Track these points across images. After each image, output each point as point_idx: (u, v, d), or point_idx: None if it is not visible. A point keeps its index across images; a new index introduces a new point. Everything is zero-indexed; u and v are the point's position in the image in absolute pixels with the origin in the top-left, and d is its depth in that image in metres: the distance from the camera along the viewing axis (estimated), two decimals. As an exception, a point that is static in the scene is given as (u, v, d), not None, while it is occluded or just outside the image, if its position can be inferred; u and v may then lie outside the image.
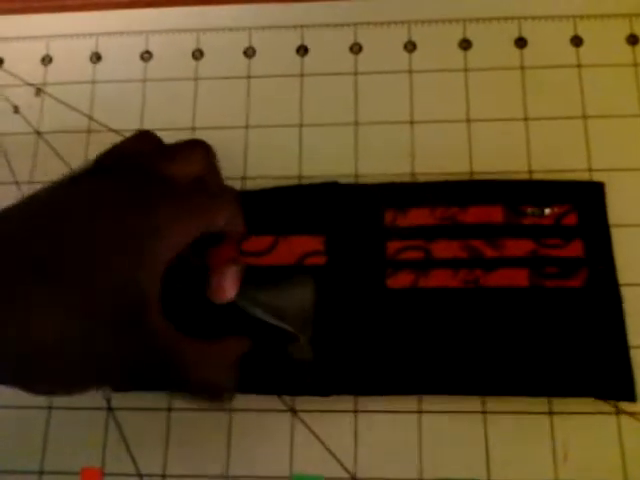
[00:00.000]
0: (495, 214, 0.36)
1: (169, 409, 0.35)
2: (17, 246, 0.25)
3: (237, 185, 0.38)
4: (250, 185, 0.38)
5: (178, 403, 0.35)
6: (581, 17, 0.39)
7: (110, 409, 0.35)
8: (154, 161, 0.29)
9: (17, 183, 0.39)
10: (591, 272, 0.34)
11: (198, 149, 0.31)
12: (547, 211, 0.35)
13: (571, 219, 0.35)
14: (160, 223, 0.27)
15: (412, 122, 0.38)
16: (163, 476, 0.34)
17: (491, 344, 0.34)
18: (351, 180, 0.38)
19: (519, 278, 0.35)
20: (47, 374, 0.26)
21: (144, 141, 0.31)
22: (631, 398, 0.33)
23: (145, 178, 0.28)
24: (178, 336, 0.28)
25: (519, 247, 0.35)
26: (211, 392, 0.30)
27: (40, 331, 0.24)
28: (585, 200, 0.36)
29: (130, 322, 0.26)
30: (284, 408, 0.34)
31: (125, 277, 0.26)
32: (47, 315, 0.24)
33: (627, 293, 0.34)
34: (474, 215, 0.36)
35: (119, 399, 0.36)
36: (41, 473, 0.35)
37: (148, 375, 0.28)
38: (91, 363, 0.26)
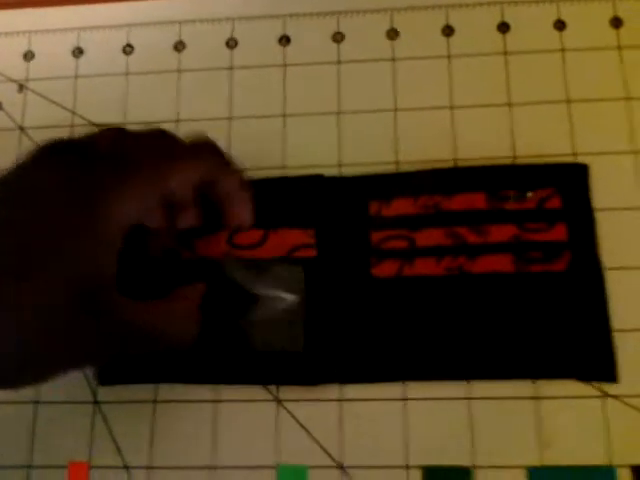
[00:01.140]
0: (478, 200, 0.35)
1: (154, 401, 0.35)
2: None
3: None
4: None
5: (164, 394, 0.35)
6: (564, 1, 0.39)
7: (96, 402, 0.35)
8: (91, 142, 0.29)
9: (1, 179, 0.39)
10: (574, 255, 0.34)
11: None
12: (529, 195, 0.35)
13: (555, 202, 0.35)
14: (103, 193, 0.27)
15: (396, 110, 0.38)
16: (149, 468, 0.34)
17: (476, 329, 0.34)
18: (335, 169, 0.37)
19: (503, 264, 0.35)
20: (25, 366, 0.26)
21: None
22: (612, 379, 0.33)
23: (81, 156, 0.28)
24: (138, 306, 0.28)
25: (502, 232, 0.35)
26: (180, 343, 0.30)
27: (10, 327, 0.24)
28: (568, 183, 0.35)
29: (92, 302, 0.26)
30: (269, 398, 0.34)
31: (79, 258, 0.26)
32: (15, 311, 0.24)
33: (611, 277, 0.34)
34: (457, 202, 0.36)
35: (105, 393, 0.36)
36: (29, 467, 0.35)
37: (120, 347, 0.28)
38: (63, 346, 0.26)
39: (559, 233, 0.35)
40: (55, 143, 0.29)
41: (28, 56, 0.42)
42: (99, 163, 0.28)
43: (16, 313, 0.25)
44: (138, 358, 0.35)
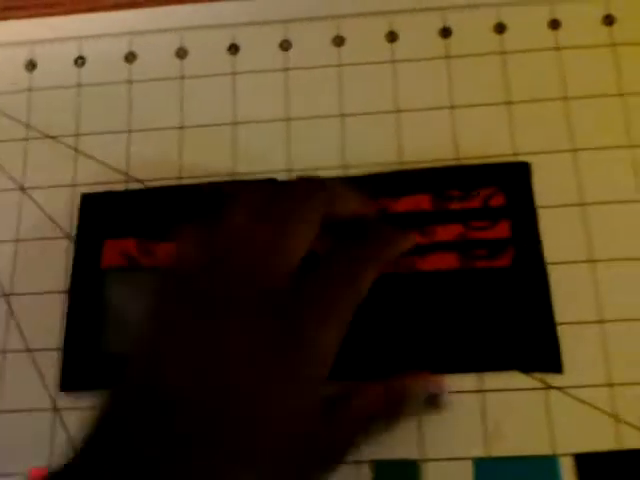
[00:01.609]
0: (424, 202, 0.36)
1: (111, 407, 0.36)
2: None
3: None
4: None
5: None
6: (503, 5, 0.40)
7: (56, 410, 0.36)
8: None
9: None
10: (517, 251, 0.35)
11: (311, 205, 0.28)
12: (473, 194, 0.36)
13: (498, 200, 0.36)
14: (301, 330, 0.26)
15: (342, 115, 0.39)
16: (108, 473, 0.35)
17: (425, 326, 0.35)
18: (285, 174, 0.38)
19: (449, 261, 0.35)
20: None
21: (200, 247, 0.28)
22: (557, 369, 0.34)
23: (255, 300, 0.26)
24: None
25: (448, 232, 0.36)
26: None
27: None
28: (511, 181, 0.37)
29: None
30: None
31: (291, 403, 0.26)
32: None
33: (553, 272, 0.35)
34: (403, 205, 0.36)
35: (64, 400, 0.36)
36: (-11, 476, 0.35)
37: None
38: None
39: (503, 230, 0.36)
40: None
41: (-19, 71, 0.43)
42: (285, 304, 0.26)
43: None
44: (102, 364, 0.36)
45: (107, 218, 0.38)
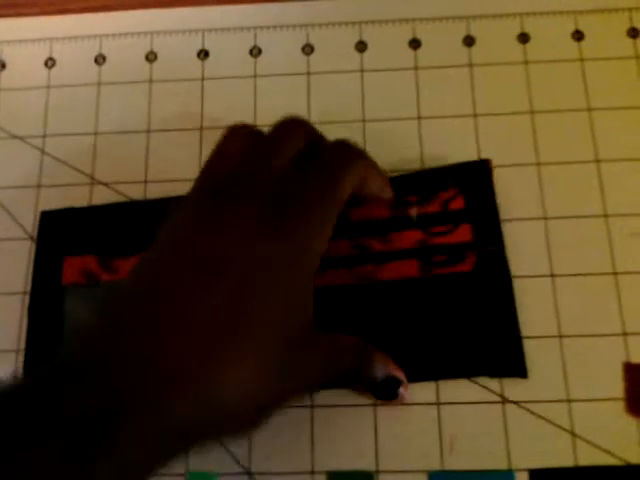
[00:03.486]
0: (382, 210, 0.36)
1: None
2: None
3: (139, 189, 0.39)
4: (152, 188, 0.39)
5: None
6: (473, 18, 0.40)
7: None
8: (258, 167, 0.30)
9: None
10: (480, 255, 0.35)
11: (294, 127, 0.33)
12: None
13: (458, 203, 0.36)
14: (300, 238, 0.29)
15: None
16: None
17: (385, 336, 0.34)
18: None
19: (409, 269, 0.35)
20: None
21: (238, 142, 0.32)
22: (522, 374, 0.33)
23: (259, 193, 0.29)
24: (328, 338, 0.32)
25: (408, 239, 0.36)
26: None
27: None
28: (471, 181, 0.36)
29: (297, 343, 0.29)
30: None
31: (288, 304, 0.28)
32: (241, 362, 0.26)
33: (517, 285, 0.35)
34: (362, 214, 0.36)
35: None
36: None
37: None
38: (282, 384, 0.28)
39: (464, 234, 0.35)
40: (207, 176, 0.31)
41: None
42: (269, 199, 0.29)
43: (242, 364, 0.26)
44: None
45: (67, 235, 0.38)
